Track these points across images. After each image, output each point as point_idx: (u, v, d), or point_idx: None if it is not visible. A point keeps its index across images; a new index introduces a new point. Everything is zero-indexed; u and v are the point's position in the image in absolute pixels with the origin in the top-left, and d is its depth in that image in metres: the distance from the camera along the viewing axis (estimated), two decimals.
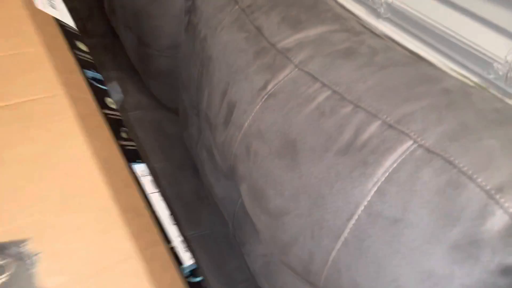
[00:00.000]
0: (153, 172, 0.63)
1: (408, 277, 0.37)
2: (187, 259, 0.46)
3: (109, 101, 0.51)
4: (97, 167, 0.40)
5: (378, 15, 0.66)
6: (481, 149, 0.36)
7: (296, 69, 0.52)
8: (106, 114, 0.48)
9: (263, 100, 0.53)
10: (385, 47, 0.51)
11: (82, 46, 0.55)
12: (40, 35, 0.48)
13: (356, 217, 0.40)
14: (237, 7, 0.64)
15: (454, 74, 0.52)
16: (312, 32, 0.55)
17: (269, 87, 0.53)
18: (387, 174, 0.39)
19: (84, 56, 0.54)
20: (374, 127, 0.42)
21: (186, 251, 0.46)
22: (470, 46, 0.51)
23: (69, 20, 0.58)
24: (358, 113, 0.44)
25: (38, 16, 0.51)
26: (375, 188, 0.40)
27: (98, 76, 0.53)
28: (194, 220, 0.78)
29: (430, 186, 0.36)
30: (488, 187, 0.34)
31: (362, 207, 0.40)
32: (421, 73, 0.46)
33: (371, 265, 0.39)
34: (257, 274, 0.58)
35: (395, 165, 0.39)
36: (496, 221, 0.33)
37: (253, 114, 0.53)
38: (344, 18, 0.58)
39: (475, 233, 0.33)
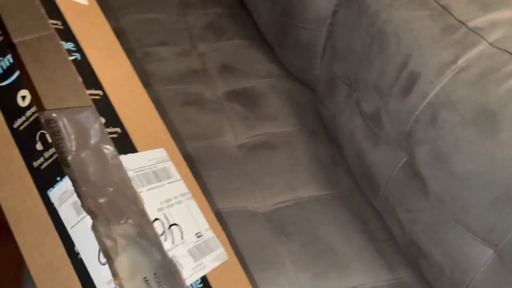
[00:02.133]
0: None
1: None
2: None
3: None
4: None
5: None
6: None
7: (491, 47, 0.56)
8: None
9: (453, 73, 0.58)
10: None
11: None
12: None
13: None
14: None
15: None
16: (505, 14, 0.59)
17: (460, 61, 0.58)
18: None
19: None
20: None
21: None
22: None
23: None
24: None
25: None
26: None
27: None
28: (332, 182, 0.84)
29: None
30: None
31: None
32: None
33: None
34: (417, 232, 0.64)
35: None
36: None
37: (441, 85, 0.58)
38: None
39: None
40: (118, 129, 0.45)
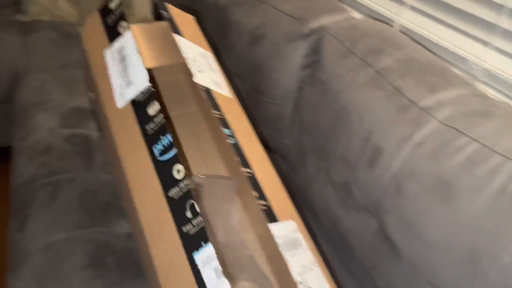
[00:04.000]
0: None
1: None
2: None
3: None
4: None
5: (475, 78, 0.80)
6: None
7: (441, 124, 0.65)
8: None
9: (411, 147, 0.65)
10: None
11: None
12: None
13: None
14: (371, 69, 0.78)
15: None
16: (448, 94, 0.68)
17: (416, 137, 0.66)
18: None
19: None
20: None
21: None
22: None
23: None
24: (507, 164, 0.56)
25: None
26: None
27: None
28: None
29: None
30: None
31: None
32: None
33: None
34: None
35: None
36: None
37: (402, 158, 0.66)
38: (470, 84, 0.71)
39: None
40: (265, 202, 0.53)
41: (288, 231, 0.56)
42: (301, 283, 0.50)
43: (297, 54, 0.98)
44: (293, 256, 0.52)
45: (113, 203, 0.92)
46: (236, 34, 1.12)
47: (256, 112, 1.12)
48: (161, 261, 0.51)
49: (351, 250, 0.78)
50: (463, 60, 0.86)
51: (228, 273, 0.45)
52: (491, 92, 0.80)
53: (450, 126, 0.64)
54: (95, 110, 0.70)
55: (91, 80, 0.65)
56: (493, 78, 0.80)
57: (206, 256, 0.47)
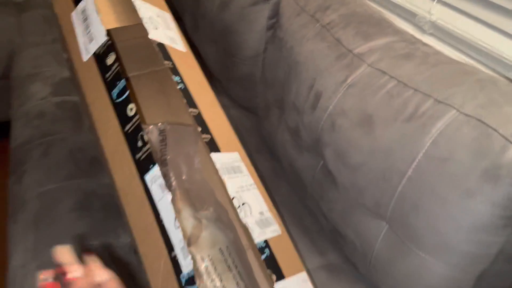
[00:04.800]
0: None
1: (453, 194, 0.57)
2: (186, 267, 0.52)
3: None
4: None
5: (423, 31, 0.87)
6: (502, 113, 0.57)
7: (369, 67, 0.74)
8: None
9: (344, 89, 0.74)
10: (434, 52, 0.72)
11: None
12: None
13: (417, 160, 0.61)
14: (318, 24, 0.87)
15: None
16: (380, 42, 0.77)
17: (349, 80, 0.75)
18: (439, 131, 0.60)
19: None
20: (429, 103, 0.63)
21: (186, 257, 0.52)
22: (494, 52, 0.72)
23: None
24: (417, 95, 0.65)
25: None
26: (430, 141, 0.60)
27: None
28: (274, 189, 0.99)
29: (468, 136, 0.57)
30: (505, 134, 0.54)
31: (421, 154, 0.61)
32: (461, 69, 0.67)
33: (427, 191, 0.59)
34: (335, 218, 0.79)
35: (444, 126, 0.60)
36: (510, 153, 0.53)
37: (336, 99, 0.75)
38: (402, 32, 0.79)
39: (498, 162, 0.53)
40: (208, 136, 0.63)
41: (230, 160, 0.66)
42: (235, 197, 0.60)
43: (261, 16, 1.07)
44: (231, 178, 0.63)
45: (99, 158, 1.04)
46: (208, 1, 1.21)
47: (230, 73, 1.21)
48: (121, 185, 0.62)
49: (304, 187, 0.88)
50: (411, 14, 0.94)
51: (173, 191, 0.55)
52: (439, 44, 0.87)
53: (376, 68, 0.73)
54: (70, 68, 0.81)
55: (63, 41, 0.75)
56: (439, 30, 0.88)
57: (153, 176, 0.58)
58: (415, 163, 0.61)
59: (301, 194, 0.93)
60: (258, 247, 0.57)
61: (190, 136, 0.70)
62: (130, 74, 0.67)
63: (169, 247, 0.55)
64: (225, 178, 0.61)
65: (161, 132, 0.71)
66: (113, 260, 0.83)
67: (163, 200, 0.56)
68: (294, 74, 0.87)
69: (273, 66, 0.98)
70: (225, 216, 0.65)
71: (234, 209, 0.59)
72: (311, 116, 0.80)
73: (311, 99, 0.80)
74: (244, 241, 0.62)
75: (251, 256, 0.61)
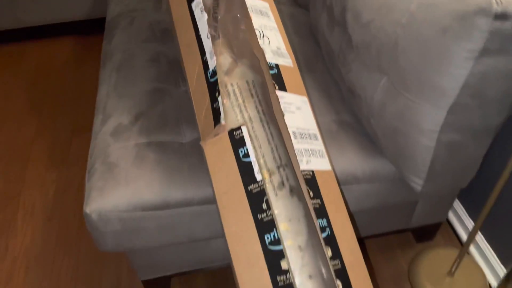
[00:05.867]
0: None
1: (432, 32, 0.68)
2: (212, 65, 0.73)
3: None
4: None
5: None
6: None
7: None
8: None
9: None
10: None
11: None
12: None
13: (410, 9, 0.73)
14: None
15: None
16: None
17: None
18: None
19: None
20: None
21: (212, 57, 0.71)
22: None
23: None
24: None
25: None
26: None
27: None
28: (311, 65, 1.14)
29: None
30: None
31: (414, 3, 0.72)
32: None
33: (414, 34, 0.72)
34: (350, 78, 0.93)
35: None
36: None
37: None
38: None
39: (468, 3, 0.64)
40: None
41: (260, 5, 0.82)
42: (257, 30, 0.77)
43: None
44: (257, 17, 0.79)
45: (170, 29, 1.26)
46: None
47: None
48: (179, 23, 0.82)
49: (334, 58, 1.03)
50: None
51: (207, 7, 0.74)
52: None
53: None
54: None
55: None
56: None
57: (197, 2, 0.77)
58: (408, 12, 0.73)
59: (330, 65, 1.07)
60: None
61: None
62: None
63: (202, 53, 0.75)
64: (252, 15, 0.78)
65: None
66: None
67: (202, 20, 0.75)
68: None
69: None
70: (257, 66, 0.80)
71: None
72: None
73: None
74: (270, 87, 0.77)
75: (272, 94, 0.76)
